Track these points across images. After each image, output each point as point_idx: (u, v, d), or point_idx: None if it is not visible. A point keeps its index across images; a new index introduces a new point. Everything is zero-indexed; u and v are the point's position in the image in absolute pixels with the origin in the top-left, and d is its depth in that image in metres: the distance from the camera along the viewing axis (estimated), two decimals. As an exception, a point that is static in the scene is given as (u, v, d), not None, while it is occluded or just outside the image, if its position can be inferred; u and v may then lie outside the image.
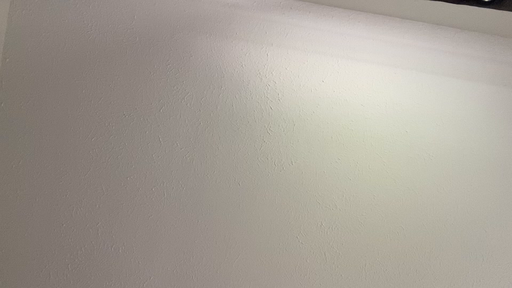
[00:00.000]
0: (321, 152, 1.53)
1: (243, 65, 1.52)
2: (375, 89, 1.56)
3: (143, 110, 1.48)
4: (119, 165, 1.47)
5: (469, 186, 1.57)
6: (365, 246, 1.54)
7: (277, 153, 1.52)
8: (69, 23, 1.46)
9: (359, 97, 1.55)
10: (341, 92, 1.55)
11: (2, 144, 1.43)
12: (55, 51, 1.46)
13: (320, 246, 1.52)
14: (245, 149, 1.51)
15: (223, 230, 1.49)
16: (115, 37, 1.48)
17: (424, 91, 1.57)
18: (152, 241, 1.47)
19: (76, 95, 1.46)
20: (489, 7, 1.21)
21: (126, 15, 1.49)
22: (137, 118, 1.48)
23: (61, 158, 1.45)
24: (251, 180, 1.51)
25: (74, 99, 1.46)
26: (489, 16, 1.47)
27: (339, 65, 1.55)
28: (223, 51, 1.52)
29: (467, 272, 1.56)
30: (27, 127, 1.44)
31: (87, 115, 1.46)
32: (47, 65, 1.45)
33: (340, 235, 1.53)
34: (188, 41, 1.51)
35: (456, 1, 1.23)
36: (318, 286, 1.51)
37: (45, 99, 1.45)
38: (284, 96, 1.53)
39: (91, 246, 1.45)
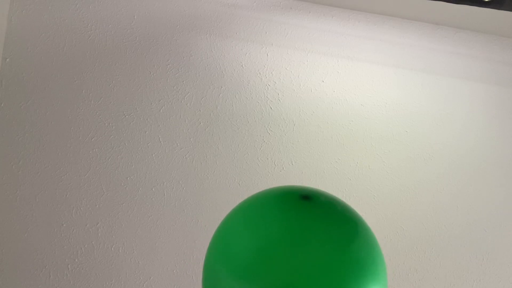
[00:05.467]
0: (321, 152, 1.53)
1: (243, 65, 1.52)
2: (375, 89, 1.56)
3: (143, 110, 1.48)
4: (119, 165, 1.47)
5: (469, 186, 1.57)
6: (365, 246, 1.54)
7: (277, 153, 1.52)
8: (69, 23, 1.46)
9: (359, 97, 1.55)
10: (341, 92, 1.55)
11: (2, 144, 1.43)
12: (55, 51, 1.46)
13: (320, 246, 1.52)
14: (245, 149, 1.51)
15: (223, 230, 1.49)
16: (115, 37, 1.48)
17: (424, 91, 1.57)
18: (152, 241, 1.47)
19: (76, 95, 1.46)
20: (489, 7, 1.21)
21: (126, 15, 1.49)
22: (137, 118, 1.48)
23: (61, 158, 1.45)
24: (251, 180, 1.51)
25: (74, 99, 1.46)
26: (489, 16, 1.46)
27: (339, 65, 1.55)
28: (223, 51, 1.52)
29: (467, 272, 1.56)
30: (27, 127, 1.44)
31: (87, 115, 1.46)
32: (47, 65, 1.45)
33: (340, 235, 1.53)
34: (188, 41, 1.51)
35: (456, 1, 1.24)
36: (318, 286, 1.51)
37: (45, 99, 1.45)
38: (284, 96, 1.53)
39: (91, 246, 1.45)
